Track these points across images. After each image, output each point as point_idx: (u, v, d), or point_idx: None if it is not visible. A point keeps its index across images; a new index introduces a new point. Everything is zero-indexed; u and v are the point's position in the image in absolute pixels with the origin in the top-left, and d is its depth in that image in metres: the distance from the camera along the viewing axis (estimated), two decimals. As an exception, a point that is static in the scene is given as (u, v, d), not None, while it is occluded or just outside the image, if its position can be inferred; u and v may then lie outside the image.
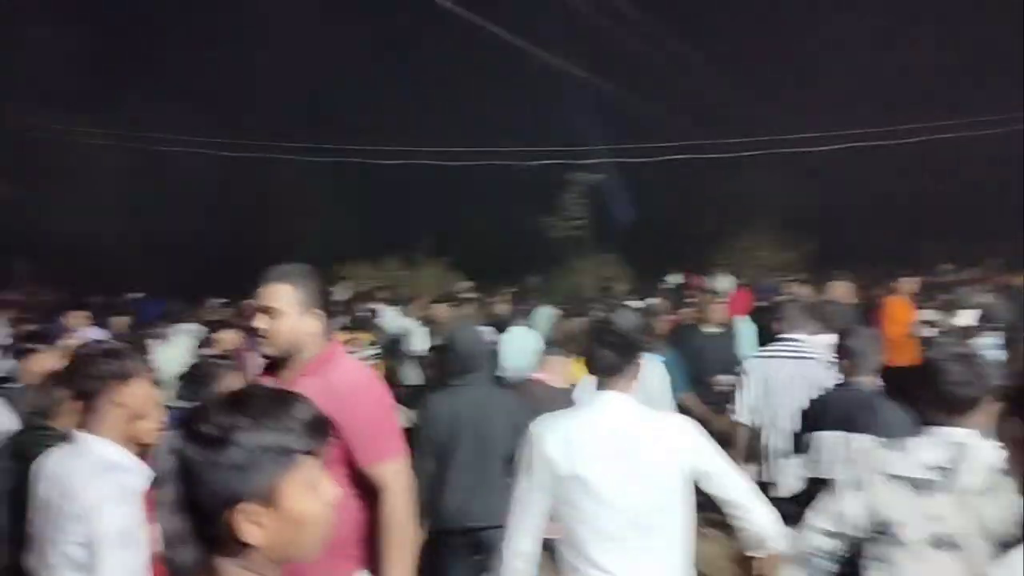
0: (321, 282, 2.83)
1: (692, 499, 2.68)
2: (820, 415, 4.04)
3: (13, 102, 26.14)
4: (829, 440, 3.88)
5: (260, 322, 2.71)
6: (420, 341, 9.25)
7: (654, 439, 2.63)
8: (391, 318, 12.66)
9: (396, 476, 2.61)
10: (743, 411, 5.02)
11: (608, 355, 2.67)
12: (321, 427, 1.30)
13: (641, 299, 12.68)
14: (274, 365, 2.77)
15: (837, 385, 4.20)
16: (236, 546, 1.24)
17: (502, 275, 20.69)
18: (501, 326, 10.00)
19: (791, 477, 4.19)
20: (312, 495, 1.28)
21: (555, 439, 2.61)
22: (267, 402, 1.28)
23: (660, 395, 5.34)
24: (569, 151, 20.31)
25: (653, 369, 5.57)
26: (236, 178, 29.89)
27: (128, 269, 26.66)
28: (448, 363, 4.53)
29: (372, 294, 16.67)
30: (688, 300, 10.87)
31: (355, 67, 32.38)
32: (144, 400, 2.56)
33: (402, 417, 4.57)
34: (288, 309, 2.67)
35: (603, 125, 24.63)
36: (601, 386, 2.72)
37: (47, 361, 4.22)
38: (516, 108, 29.75)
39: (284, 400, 1.29)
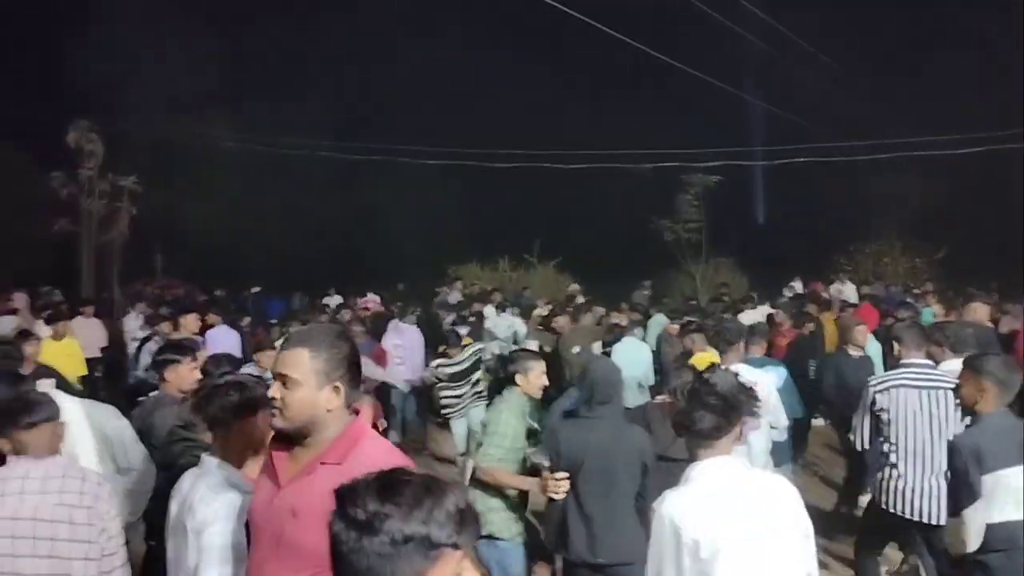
0: (350, 349, 2.37)
1: None
2: (981, 452, 3.59)
3: (150, 107, 27.86)
4: (1012, 479, 3.49)
5: (274, 391, 2.33)
6: (530, 345, 9.23)
7: (782, 504, 2.50)
8: (500, 320, 12.76)
9: None
10: (862, 440, 4.70)
11: (709, 418, 2.52)
12: (470, 520, 1.27)
13: (755, 307, 12.25)
14: (288, 438, 2.37)
15: (984, 417, 3.75)
16: None
17: (613, 278, 20.50)
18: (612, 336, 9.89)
19: (974, 527, 3.60)
20: None
21: (692, 520, 2.44)
22: (419, 490, 1.25)
23: (775, 410, 5.10)
24: (686, 153, 19.79)
25: (770, 381, 5.33)
26: (355, 180, 30.87)
27: (252, 266, 28.02)
28: (582, 393, 4.37)
29: (484, 296, 16.87)
30: (808, 311, 10.40)
31: (473, 72, 32.89)
32: (265, 432, 2.66)
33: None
34: (305, 379, 2.27)
35: (722, 126, 24.06)
36: (698, 447, 2.57)
37: (186, 374, 4.46)
38: (634, 109, 29.50)
39: (436, 489, 1.27)
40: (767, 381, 5.13)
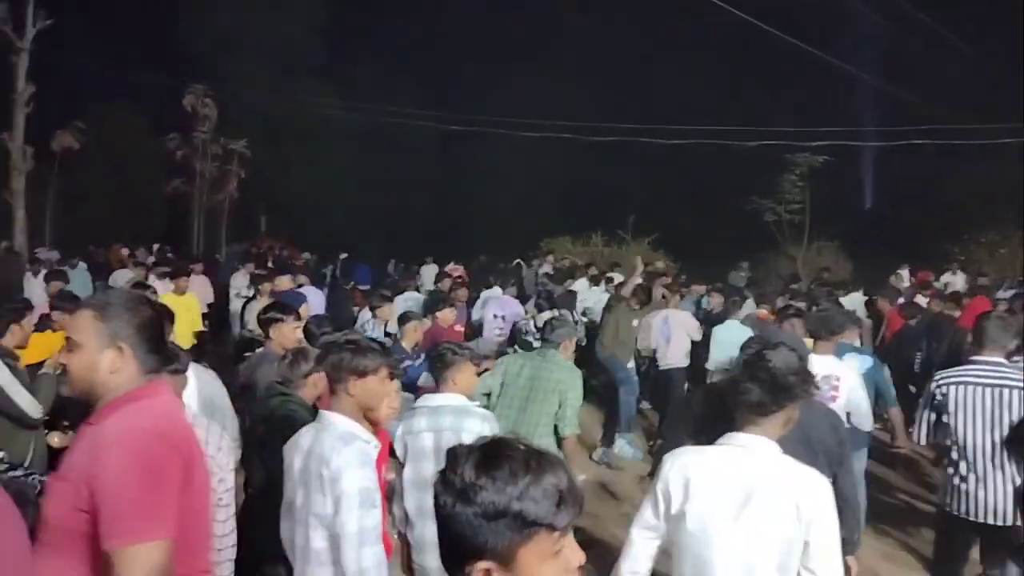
0: (147, 315, 2.18)
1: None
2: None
3: (261, 73, 28.78)
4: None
5: (62, 356, 2.21)
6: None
7: (784, 493, 2.34)
8: (590, 295, 12.71)
9: (132, 566, 1.88)
10: (920, 434, 4.48)
11: (756, 392, 2.42)
12: (571, 500, 1.24)
13: (847, 293, 11.75)
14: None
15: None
16: None
17: (709, 258, 20.09)
18: (708, 318, 9.69)
19: None
20: (553, 565, 1.24)
21: (676, 474, 2.43)
22: (518, 465, 1.23)
23: (860, 399, 4.90)
24: (792, 131, 19.05)
25: (858, 369, 5.13)
26: (453, 150, 31.23)
27: (350, 231, 28.75)
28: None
29: (575, 270, 16.81)
30: (915, 302, 9.91)
31: (574, 45, 32.57)
32: (375, 394, 2.83)
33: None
34: (87, 341, 2.12)
35: (832, 105, 23.11)
36: (744, 422, 2.47)
37: (289, 333, 4.65)
38: (739, 85, 28.66)
39: (536, 466, 1.23)
40: (851, 371, 4.94)
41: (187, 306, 9.00)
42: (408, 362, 6.59)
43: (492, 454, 1.24)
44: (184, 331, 8.33)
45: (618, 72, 30.67)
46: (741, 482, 2.37)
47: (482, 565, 1.23)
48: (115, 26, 29.31)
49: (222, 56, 29.05)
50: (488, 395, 4.83)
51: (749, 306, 10.01)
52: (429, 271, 16.15)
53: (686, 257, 20.10)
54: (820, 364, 4.40)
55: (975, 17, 24.67)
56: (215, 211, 22.88)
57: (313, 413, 3.75)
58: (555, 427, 4.75)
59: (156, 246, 19.42)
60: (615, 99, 28.14)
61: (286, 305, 5.04)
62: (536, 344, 7.67)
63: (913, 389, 7.50)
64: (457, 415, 3.61)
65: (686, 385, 8.88)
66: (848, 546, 2.94)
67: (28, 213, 20.66)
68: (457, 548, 1.24)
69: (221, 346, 12.73)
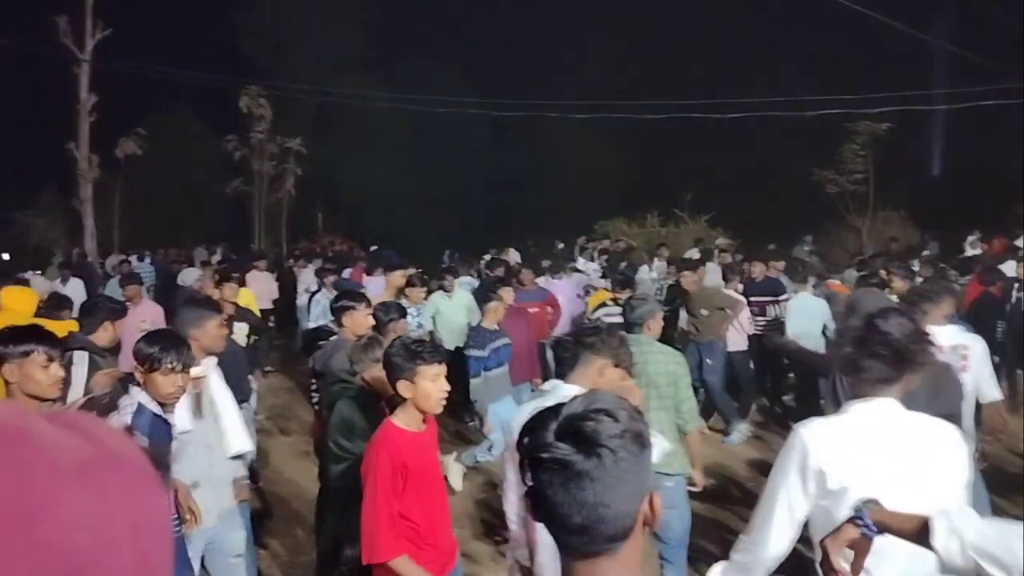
0: None
1: None
2: None
3: (313, 70, 29.13)
4: None
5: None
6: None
7: (940, 446, 2.26)
8: (647, 275, 12.59)
9: None
10: None
11: (877, 369, 2.31)
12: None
13: (932, 264, 11.39)
14: None
15: None
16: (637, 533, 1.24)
17: (770, 233, 19.68)
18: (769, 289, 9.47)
19: None
20: None
21: (824, 448, 2.29)
22: (622, 400, 1.26)
23: (987, 367, 4.62)
24: (852, 99, 18.44)
25: (974, 349, 4.78)
26: (506, 137, 31.19)
27: (405, 222, 29.01)
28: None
29: (630, 252, 16.66)
30: (997, 268, 9.52)
31: (622, 22, 32.15)
32: (428, 392, 3.06)
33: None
34: None
35: (894, 69, 22.32)
36: (863, 393, 2.37)
37: (361, 320, 4.73)
38: (794, 52, 27.93)
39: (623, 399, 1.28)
40: (976, 341, 4.66)
41: (243, 301, 9.15)
42: (499, 341, 6.61)
43: (601, 406, 1.22)
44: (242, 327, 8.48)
45: (671, 47, 30.14)
46: (898, 444, 2.27)
47: (652, 495, 1.24)
48: (168, 32, 30.07)
49: (273, 56, 29.54)
50: None
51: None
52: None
53: (745, 234, 19.73)
54: (943, 335, 4.22)
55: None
56: (274, 209, 23.31)
57: (375, 398, 3.80)
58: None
59: (220, 247, 19.93)
60: (668, 76, 27.67)
61: (357, 293, 5.13)
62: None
63: (996, 359, 7.23)
64: None
65: (751, 365, 8.75)
66: None
67: (96, 220, 21.35)
68: (637, 493, 1.21)
69: (288, 340, 13.05)
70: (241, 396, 5.21)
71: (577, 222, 22.57)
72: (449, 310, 8.52)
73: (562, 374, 3.65)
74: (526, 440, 1.23)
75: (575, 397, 1.25)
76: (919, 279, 7.96)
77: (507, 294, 7.24)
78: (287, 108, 25.22)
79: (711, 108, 20.96)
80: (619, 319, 7.77)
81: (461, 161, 31.67)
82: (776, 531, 2.33)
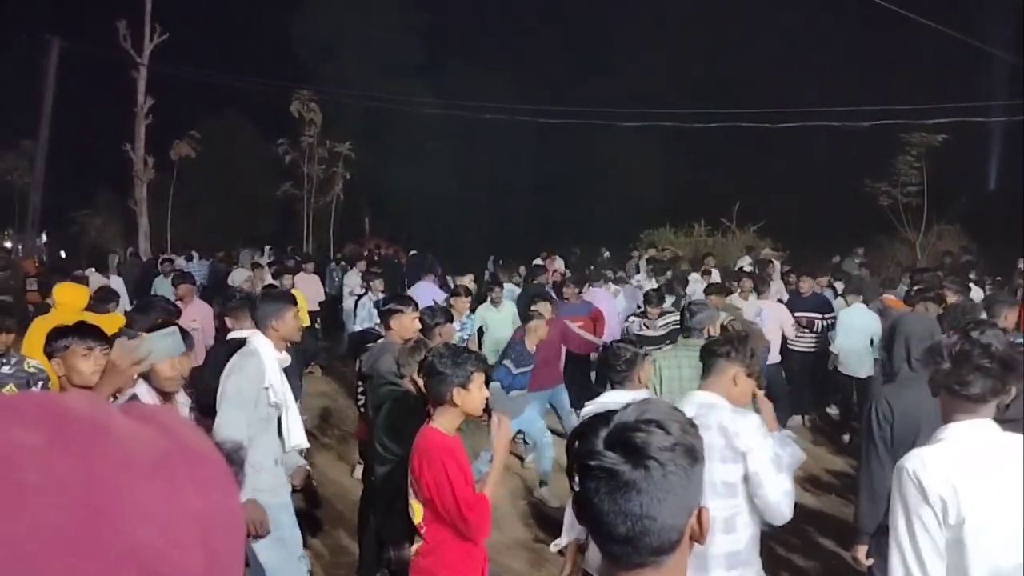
0: None
1: None
2: None
3: (363, 75, 29.50)
4: None
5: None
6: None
7: None
8: (698, 287, 12.43)
9: None
10: None
11: (982, 382, 2.23)
12: None
13: (985, 279, 11.11)
14: None
15: None
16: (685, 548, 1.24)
17: (821, 246, 19.34)
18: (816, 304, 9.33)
19: None
20: None
21: (941, 479, 2.20)
22: (677, 413, 1.25)
23: None
24: (907, 110, 18.03)
25: None
26: (553, 145, 31.19)
27: (450, 228, 29.14)
28: (898, 351, 4.07)
29: (675, 261, 16.50)
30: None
31: (669, 29, 31.96)
32: (477, 399, 3.16)
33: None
34: None
35: (951, 79, 21.79)
36: (959, 411, 2.28)
37: (408, 323, 4.77)
38: (848, 61, 27.49)
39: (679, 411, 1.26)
40: None
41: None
42: (524, 368, 6.51)
43: (653, 417, 1.19)
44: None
45: (721, 55, 29.87)
46: (1005, 468, 2.19)
47: (701, 511, 1.22)
48: (222, 38, 30.68)
49: (324, 60, 29.99)
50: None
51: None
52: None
53: (795, 245, 19.42)
54: None
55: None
56: (322, 212, 23.59)
57: (422, 401, 3.82)
58: None
59: (268, 247, 20.23)
60: (717, 83, 27.42)
61: (404, 297, 5.18)
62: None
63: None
64: None
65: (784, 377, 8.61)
66: None
67: (150, 220, 21.87)
68: (684, 508, 1.19)
69: (335, 343, 13.17)
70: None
71: (623, 230, 22.44)
72: (495, 323, 8.49)
73: (617, 381, 3.65)
74: (576, 445, 1.21)
75: (628, 405, 1.22)
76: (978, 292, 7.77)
77: (545, 309, 7.15)
78: (336, 113, 25.55)
79: (762, 117, 20.67)
80: (649, 332, 7.74)
81: (506, 167, 31.74)
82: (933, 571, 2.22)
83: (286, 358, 4.06)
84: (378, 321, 5.09)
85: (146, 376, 3.27)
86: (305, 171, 23.01)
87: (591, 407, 3.54)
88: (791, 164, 26.39)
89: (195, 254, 17.88)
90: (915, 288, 7.37)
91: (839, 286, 10.87)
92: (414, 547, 3.26)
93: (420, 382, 3.88)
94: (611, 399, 3.59)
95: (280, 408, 3.97)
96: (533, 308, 6.93)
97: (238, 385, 3.82)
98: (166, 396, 3.29)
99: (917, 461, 2.27)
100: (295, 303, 4.32)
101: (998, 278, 11.68)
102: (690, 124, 22.35)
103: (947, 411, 2.36)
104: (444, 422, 3.18)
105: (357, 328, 8.91)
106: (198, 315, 7.53)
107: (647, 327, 7.78)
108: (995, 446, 2.24)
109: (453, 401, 3.13)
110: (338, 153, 22.81)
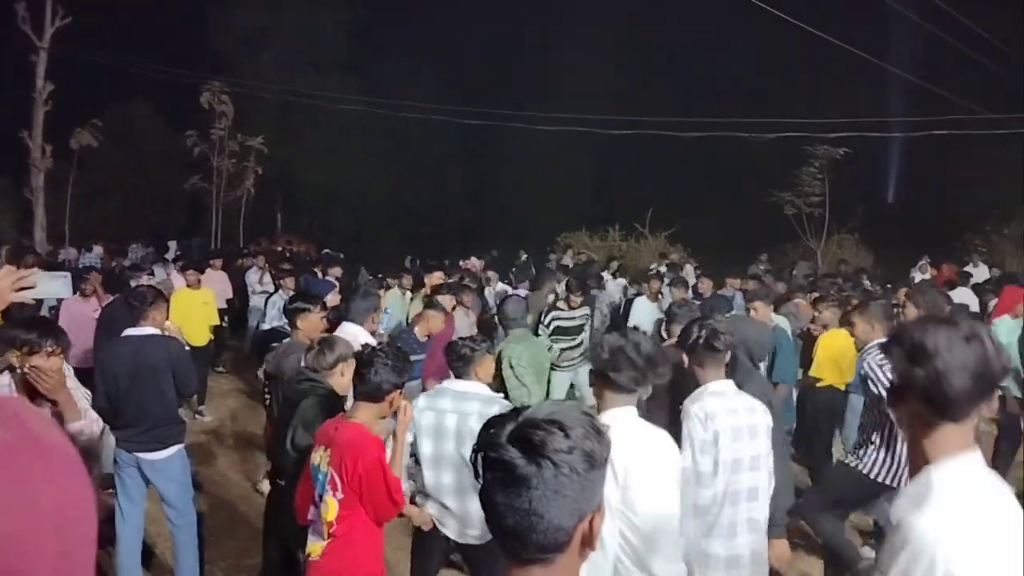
0: None
1: None
2: None
3: (278, 69, 28.87)
4: None
5: None
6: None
7: None
8: (612, 286, 12.69)
9: None
10: None
11: (630, 373, 2.65)
12: None
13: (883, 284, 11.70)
14: None
15: None
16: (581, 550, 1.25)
17: (728, 251, 20.01)
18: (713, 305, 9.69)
19: None
20: None
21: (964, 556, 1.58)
22: (585, 418, 1.24)
23: None
24: (811, 123, 18.83)
25: None
26: (471, 145, 31.23)
27: (365, 226, 28.80)
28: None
29: (589, 264, 16.76)
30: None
31: (591, 38, 32.43)
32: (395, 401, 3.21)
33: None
34: None
35: (852, 96, 22.87)
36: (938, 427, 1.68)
37: (315, 322, 4.69)
38: (756, 76, 28.44)
39: (591, 416, 1.26)
40: None
41: (203, 300, 9.00)
42: (422, 356, 6.50)
43: (559, 419, 1.20)
44: (200, 324, 8.32)
45: (638, 65, 30.52)
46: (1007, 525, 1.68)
47: (594, 516, 1.23)
48: (132, 23, 29.51)
49: (240, 52, 29.18)
50: None
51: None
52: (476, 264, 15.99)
53: (704, 251, 20.00)
54: None
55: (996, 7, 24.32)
56: (232, 207, 22.94)
57: (339, 400, 3.77)
58: None
59: (174, 242, 19.57)
60: (634, 92, 28.00)
61: (312, 296, 5.08)
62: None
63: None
64: (484, 403, 3.74)
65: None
66: None
67: (47, 211, 20.82)
68: (575, 510, 1.19)
69: (240, 341, 12.83)
70: (191, 393, 5.14)
71: (541, 232, 22.66)
72: (396, 309, 8.53)
73: (457, 375, 3.83)
74: (482, 436, 1.23)
75: (542, 404, 1.25)
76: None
77: (446, 301, 7.10)
78: (251, 106, 24.91)
79: (674, 126, 21.22)
80: (569, 322, 7.84)
81: (430, 167, 31.61)
82: None
83: None
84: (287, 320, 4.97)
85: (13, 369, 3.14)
86: (215, 164, 22.33)
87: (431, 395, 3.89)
88: (703, 173, 27.21)
89: (95, 246, 17.16)
90: (815, 296, 7.73)
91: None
92: (318, 548, 3.21)
93: (342, 379, 3.86)
94: (449, 385, 3.87)
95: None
96: (437, 297, 6.86)
97: None
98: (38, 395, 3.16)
99: (933, 532, 1.65)
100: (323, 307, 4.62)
101: (888, 285, 12.30)
102: (607, 131, 22.76)
103: (599, 395, 2.75)
104: (366, 417, 3.17)
105: (267, 326, 8.70)
106: (100, 307, 7.33)
107: (564, 318, 7.81)
108: (995, 489, 1.73)
109: (392, 403, 3.19)
110: (250, 147, 22.23)
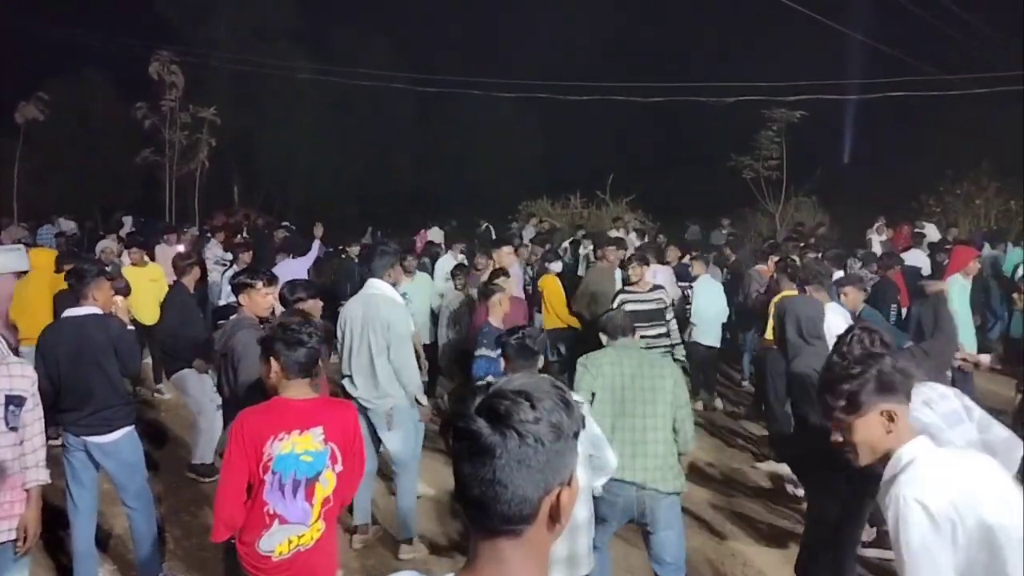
0: None
1: None
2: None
3: (230, 38, 28.15)
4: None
5: None
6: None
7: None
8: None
9: None
10: None
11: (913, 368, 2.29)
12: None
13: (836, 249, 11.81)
14: None
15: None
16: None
17: (688, 216, 20.13)
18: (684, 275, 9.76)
19: None
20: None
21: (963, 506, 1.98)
22: (554, 390, 1.24)
23: None
24: (768, 86, 18.89)
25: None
26: (430, 113, 30.83)
27: (324, 198, 28.40)
28: None
29: (553, 231, 16.74)
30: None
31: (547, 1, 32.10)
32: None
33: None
34: None
35: (807, 59, 22.95)
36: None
37: (259, 299, 4.60)
38: (713, 40, 28.43)
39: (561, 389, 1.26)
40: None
41: (150, 277, 8.81)
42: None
43: (526, 390, 1.20)
44: (149, 302, 8.14)
45: (595, 29, 30.31)
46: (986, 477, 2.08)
47: (563, 490, 1.22)
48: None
49: (190, 21, 28.35)
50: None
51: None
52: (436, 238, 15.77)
53: (665, 217, 20.06)
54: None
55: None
56: (186, 181, 22.41)
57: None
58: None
59: (129, 217, 19.11)
60: (592, 57, 27.84)
61: (257, 271, 4.95)
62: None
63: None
64: None
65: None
66: None
67: (-7, 188, 20.21)
68: (540, 482, 1.19)
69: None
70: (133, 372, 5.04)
71: (501, 201, 22.54)
72: (412, 293, 8.26)
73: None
74: (452, 407, 1.24)
75: (512, 377, 1.24)
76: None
77: (507, 284, 6.77)
78: (202, 76, 24.29)
79: (634, 91, 21.13)
80: (643, 305, 7.45)
81: (386, 136, 31.19)
82: None
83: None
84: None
85: None
86: (167, 137, 21.76)
87: None
88: (662, 138, 27.22)
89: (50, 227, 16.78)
90: (775, 260, 7.86)
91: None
92: (306, 537, 3.08)
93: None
94: None
95: None
96: (495, 282, 6.57)
97: None
98: None
99: (934, 494, 2.06)
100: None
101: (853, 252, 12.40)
102: (565, 96, 22.61)
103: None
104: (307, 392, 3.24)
105: (222, 303, 8.57)
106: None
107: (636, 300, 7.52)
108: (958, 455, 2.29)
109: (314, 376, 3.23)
110: (202, 118, 21.68)
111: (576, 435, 1.23)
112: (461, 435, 1.19)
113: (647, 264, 7.57)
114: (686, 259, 10.41)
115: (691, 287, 9.25)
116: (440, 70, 25.69)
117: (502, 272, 7.08)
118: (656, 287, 7.48)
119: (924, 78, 19.25)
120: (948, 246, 11.45)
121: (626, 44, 28.95)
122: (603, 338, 4.29)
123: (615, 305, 6.76)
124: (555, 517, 1.22)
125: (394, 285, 5.35)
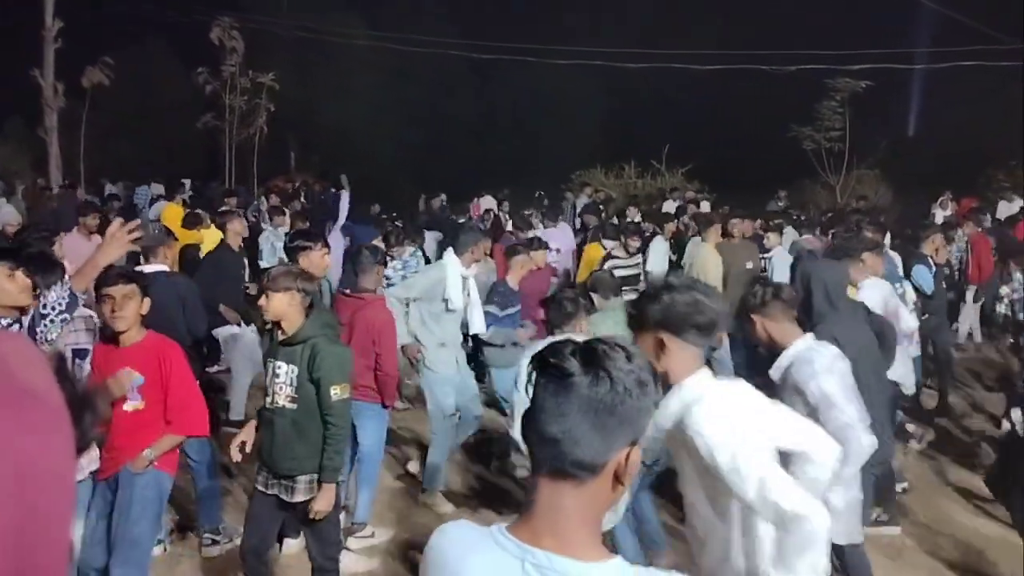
0: None
1: None
2: None
3: (290, 4, 28.34)
4: None
5: None
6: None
7: None
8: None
9: None
10: None
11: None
12: None
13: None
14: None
15: None
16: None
17: (745, 187, 19.69)
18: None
19: None
20: None
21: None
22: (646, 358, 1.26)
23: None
24: (832, 55, 18.29)
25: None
26: (485, 79, 30.64)
27: (380, 164, 28.56)
28: None
29: (608, 202, 16.60)
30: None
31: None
32: None
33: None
34: None
35: (874, 26, 22.18)
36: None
37: (317, 260, 4.62)
38: (775, 6, 27.60)
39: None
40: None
41: (213, 239, 8.96)
42: (511, 309, 6.11)
43: (627, 348, 1.23)
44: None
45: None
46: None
47: (632, 450, 1.23)
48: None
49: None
50: None
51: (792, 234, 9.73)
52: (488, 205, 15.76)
53: (722, 187, 19.69)
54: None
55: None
56: (245, 146, 22.77)
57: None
58: None
59: (188, 181, 19.52)
60: (650, 24, 27.27)
61: (312, 233, 5.02)
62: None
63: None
64: None
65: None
66: None
67: (61, 150, 20.80)
68: (616, 433, 1.20)
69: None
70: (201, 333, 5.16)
71: (554, 170, 22.35)
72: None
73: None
74: (547, 349, 1.24)
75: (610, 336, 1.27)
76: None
77: (540, 257, 6.84)
78: (262, 42, 24.53)
79: (693, 59, 20.69)
80: (629, 271, 7.56)
81: (441, 104, 31.12)
82: None
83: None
84: (282, 257, 4.92)
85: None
86: (227, 102, 22.11)
87: None
88: (721, 107, 26.60)
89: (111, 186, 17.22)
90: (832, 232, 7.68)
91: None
92: None
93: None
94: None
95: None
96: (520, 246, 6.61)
97: None
98: None
99: None
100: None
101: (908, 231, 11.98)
102: (622, 64, 22.26)
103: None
104: None
105: (264, 265, 8.71)
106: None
107: (623, 266, 7.69)
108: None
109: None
110: (261, 84, 21.94)
111: (657, 404, 1.24)
112: (550, 370, 1.20)
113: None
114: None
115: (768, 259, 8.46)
116: (496, 36, 25.48)
117: (538, 242, 7.06)
118: (637, 252, 7.87)
119: (997, 47, 18.45)
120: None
121: (684, 10, 28.26)
122: (595, 298, 4.37)
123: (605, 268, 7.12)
124: (620, 477, 1.22)
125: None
